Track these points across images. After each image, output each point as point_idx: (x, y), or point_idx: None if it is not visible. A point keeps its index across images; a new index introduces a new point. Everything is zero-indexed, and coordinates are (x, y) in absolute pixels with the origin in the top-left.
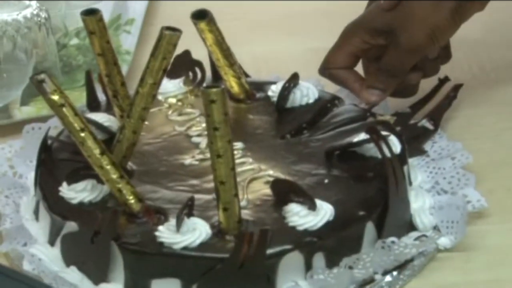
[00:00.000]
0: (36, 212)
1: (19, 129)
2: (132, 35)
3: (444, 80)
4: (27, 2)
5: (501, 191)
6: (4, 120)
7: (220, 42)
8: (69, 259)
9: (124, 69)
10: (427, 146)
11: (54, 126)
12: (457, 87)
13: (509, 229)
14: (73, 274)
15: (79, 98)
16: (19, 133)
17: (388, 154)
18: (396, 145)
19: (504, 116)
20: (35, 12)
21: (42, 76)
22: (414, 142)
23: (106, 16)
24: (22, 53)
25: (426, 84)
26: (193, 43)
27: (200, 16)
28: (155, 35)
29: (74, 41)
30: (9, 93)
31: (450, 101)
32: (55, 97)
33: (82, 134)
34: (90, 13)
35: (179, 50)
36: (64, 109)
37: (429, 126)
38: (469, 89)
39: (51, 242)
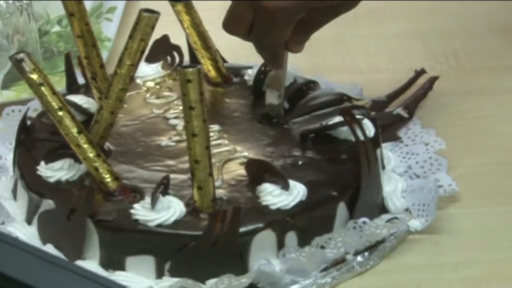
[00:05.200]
0: (14, 192)
1: None
2: (113, 23)
3: (420, 72)
4: None
5: (472, 177)
6: None
7: (197, 24)
8: (45, 237)
9: (105, 55)
10: (401, 132)
11: (34, 109)
12: (432, 79)
13: (478, 213)
14: (49, 251)
15: (59, 82)
16: None
17: (361, 136)
18: (370, 128)
19: (477, 105)
20: None
21: (22, 55)
22: (389, 128)
23: (89, 4)
24: (4, 39)
25: (403, 76)
26: (175, 32)
27: None
28: None
29: (56, 28)
30: None
31: (425, 92)
32: (34, 76)
33: (60, 113)
34: None
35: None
36: (42, 88)
37: (404, 114)
38: (444, 79)
39: (28, 221)
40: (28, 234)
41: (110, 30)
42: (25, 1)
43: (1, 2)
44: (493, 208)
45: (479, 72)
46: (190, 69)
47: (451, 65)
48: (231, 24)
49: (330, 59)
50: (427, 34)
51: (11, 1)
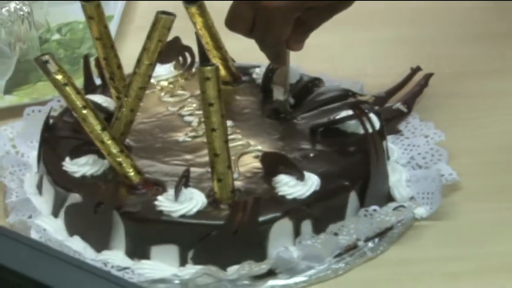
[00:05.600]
0: (39, 187)
1: (3, 115)
2: (111, 31)
3: (416, 70)
4: None
5: (462, 177)
6: None
7: (210, 26)
8: (72, 229)
9: None
10: (401, 126)
11: (54, 109)
12: (428, 76)
13: (468, 210)
14: (76, 243)
15: None
16: (2, 119)
17: (370, 129)
18: (375, 122)
19: (463, 108)
20: (18, 6)
21: (46, 57)
22: (390, 122)
23: None
24: (6, 46)
25: (389, 80)
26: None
27: (191, 0)
28: (131, 32)
29: (56, 36)
30: None
31: (421, 88)
32: (59, 77)
33: (84, 111)
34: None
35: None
36: (67, 88)
37: (403, 108)
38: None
39: (55, 214)
40: (55, 226)
41: None
42: (26, 10)
43: (4, 11)
44: (484, 205)
45: (459, 76)
46: (209, 67)
47: (433, 70)
48: (232, 22)
49: (318, 64)
50: (411, 41)
51: (13, 10)
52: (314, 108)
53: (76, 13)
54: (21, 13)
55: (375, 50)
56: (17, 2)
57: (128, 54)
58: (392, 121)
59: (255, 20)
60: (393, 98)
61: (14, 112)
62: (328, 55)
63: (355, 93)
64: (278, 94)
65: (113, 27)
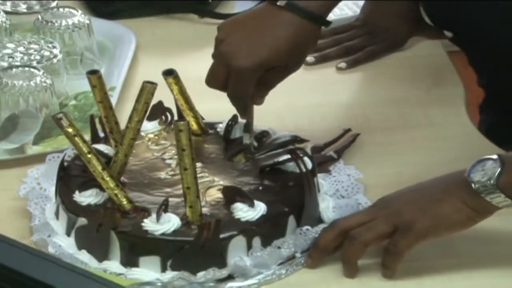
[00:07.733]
0: (56, 213)
1: (31, 161)
2: (113, 98)
3: (347, 131)
4: (37, 72)
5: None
6: (20, 155)
7: (184, 91)
8: (80, 244)
9: None
10: (331, 167)
11: (68, 155)
12: (355, 135)
13: None
14: (83, 255)
15: None
16: (30, 164)
17: (303, 168)
18: (309, 163)
19: (372, 154)
20: (42, 79)
21: (60, 115)
22: (323, 164)
23: None
24: (34, 109)
25: (326, 134)
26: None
27: (169, 73)
28: (130, 98)
29: (73, 102)
30: (25, 137)
31: (349, 144)
32: (70, 130)
33: (89, 156)
34: (93, 73)
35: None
36: (76, 138)
37: (334, 156)
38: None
39: (68, 234)
40: (68, 243)
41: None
42: (49, 83)
43: (31, 83)
44: None
45: (383, 130)
46: (181, 122)
47: (351, 126)
48: (210, 80)
49: (267, 122)
50: (341, 105)
51: (38, 82)
52: (263, 153)
53: (88, 85)
54: (45, 84)
55: (312, 112)
56: (42, 76)
57: (128, 115)
58: (325, 164)
59: (228, 79)
60: (328, 148)
61: (39, 158)
62: (274, 115)
63: (302, 140)
64: (246, 139)
65: (115, 94)
